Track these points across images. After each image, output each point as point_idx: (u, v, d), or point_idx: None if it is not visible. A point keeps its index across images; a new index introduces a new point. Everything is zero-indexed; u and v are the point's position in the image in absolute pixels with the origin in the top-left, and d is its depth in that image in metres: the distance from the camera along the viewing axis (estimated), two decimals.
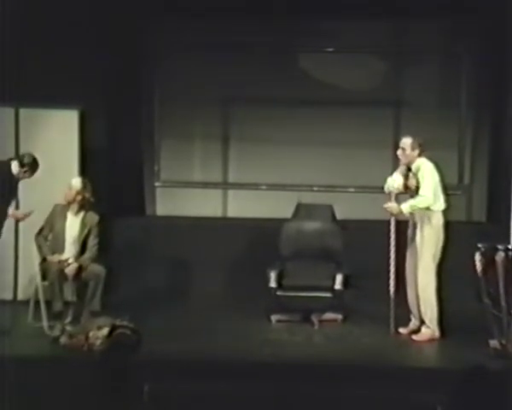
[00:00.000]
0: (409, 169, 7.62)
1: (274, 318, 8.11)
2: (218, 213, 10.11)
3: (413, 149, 7.54)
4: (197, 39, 9.61)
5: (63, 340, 7.14)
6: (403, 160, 7.62)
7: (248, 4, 9.01)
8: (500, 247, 6.95)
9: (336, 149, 9.79)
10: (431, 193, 7.42)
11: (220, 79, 9.77)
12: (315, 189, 9.68)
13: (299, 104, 9.71)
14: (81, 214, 7.87)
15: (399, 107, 9.81)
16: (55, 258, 7.71)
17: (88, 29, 8.76)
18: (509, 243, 7.59)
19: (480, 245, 7.04)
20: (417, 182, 7.49)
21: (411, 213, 7.54)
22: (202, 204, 9.99)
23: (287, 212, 8.67)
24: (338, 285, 7.96)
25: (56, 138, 8.80)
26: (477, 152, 9.79)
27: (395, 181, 7.64)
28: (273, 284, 8.03)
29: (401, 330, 7.68)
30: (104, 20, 8.99)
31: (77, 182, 7.86)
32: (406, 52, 9.82)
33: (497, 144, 9.37)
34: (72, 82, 8.60)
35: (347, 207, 8.94)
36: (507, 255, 6.88)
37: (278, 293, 8.05)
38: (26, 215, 7.62)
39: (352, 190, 9.67)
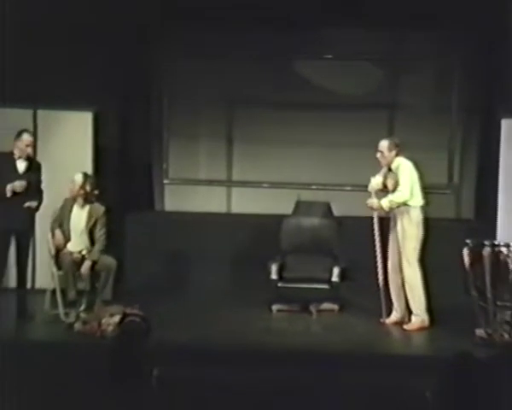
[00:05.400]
0: (390, 169, 7.77)
1: (275, 307, 8.29)
2: (223, 209, 10.24)
3: (390, 150, 7.70)
4: (204, 45, 9.71)
5: (77, 326, 7.37)
6: (382, 162, 7.76)
7: (253, 13, 9.06)
8: (487, 243, 7.12)
9: (333, 149, 9.89)
10: (408, 189, 7.55)
11: (225, 84, 9.93)
12: (313, 187, 9.79)
13: (300, 108, 9.83)
14: (87, 207, 7.98)
15: (393, 110, 9.89)
16: (68, 249, 7.85)
17: (102, 38, 8.88)
18: (495, 239, 7.83)
19: (467, 241, 7.21)
20: (397, 180, 7.62)
21: (392, 209, 7.67)
22: (208, 201, 10.15)
23: (287, 208, 8.83)
24: (335, 278, 8.15)
25: (72, 138, 9.00)
26: (466, 153, 9.90)
27: (375, 180, 7.81)
28: (274, 276, 8.23)
29: (386, 320, 7.81)
30: (117, 28, 9.09)
31: (78, 177, 7.94)
32: (401, 59, 9.90)
33: (485, 146, 9.47)
34: (87, 86, 8.77)
35: (344, 205, 9.02)
36: (493, 251, 7.04)
37: (279, 284, 8.24)
38: (22, 186, 7.65)
39: (348, 188, 9.72)
